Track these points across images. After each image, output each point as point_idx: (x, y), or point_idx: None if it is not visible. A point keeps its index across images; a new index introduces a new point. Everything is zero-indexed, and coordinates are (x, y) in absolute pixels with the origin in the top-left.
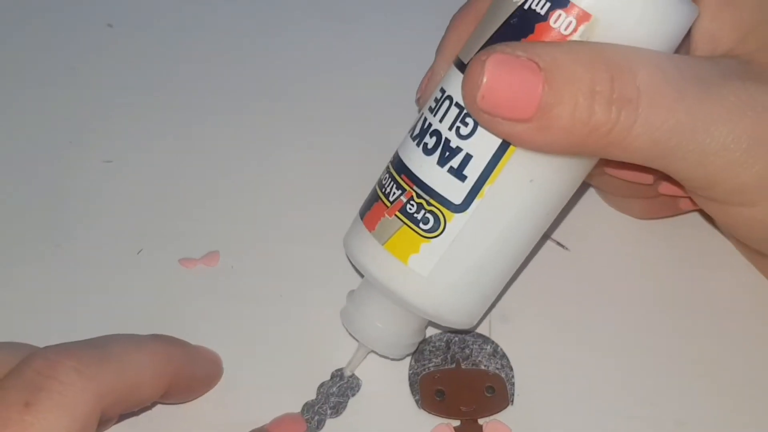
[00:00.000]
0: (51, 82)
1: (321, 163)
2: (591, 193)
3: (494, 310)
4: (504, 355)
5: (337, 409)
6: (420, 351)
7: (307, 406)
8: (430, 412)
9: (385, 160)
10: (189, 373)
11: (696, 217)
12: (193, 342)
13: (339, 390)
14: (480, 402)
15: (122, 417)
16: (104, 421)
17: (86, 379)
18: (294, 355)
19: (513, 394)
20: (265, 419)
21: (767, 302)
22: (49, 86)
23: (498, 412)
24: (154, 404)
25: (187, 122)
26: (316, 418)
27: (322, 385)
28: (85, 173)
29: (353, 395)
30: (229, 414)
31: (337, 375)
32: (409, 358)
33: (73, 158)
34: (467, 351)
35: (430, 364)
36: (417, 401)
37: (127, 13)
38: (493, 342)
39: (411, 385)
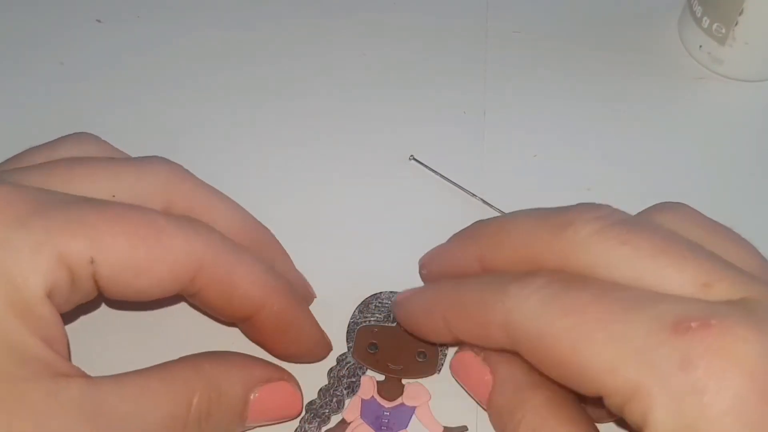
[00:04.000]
0: (39, 78)
1: (318, 160)
2: (582, 192)
3: None
4: None
5: (353, 389)
6: (366, 303)
7: (322, 391)
8: (359, 361)
9: (382, 156)
10: (263, 240)
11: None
12: (192, 336)
13: (349, 371)
14: (409, 364)
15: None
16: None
17: (168, 166)
18: None
19: (442, 365)
20: None
21: None
22: (37, 81)
23: (424, 377)
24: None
25: (176, 118)
26: (335, 399)
27: (331, 370)
28: None
29: (364, 372)
30: None
31: (343, 358)
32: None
33: None
34: None
35: (372, 318)
36: (349, 348)
37: (116, 9)
38: None
39: (348, 333)
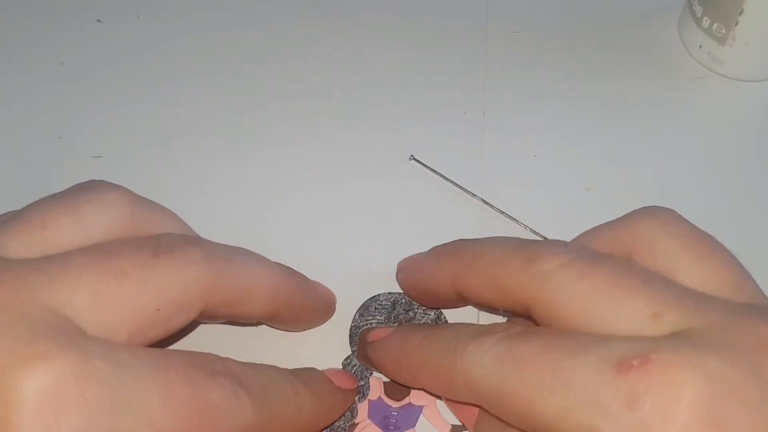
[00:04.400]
0: (40, 77)
1: (318, 160)
2: (582, 192)
3: None
4: (446, 323)
5: (363, 393)
6: (366, 306)
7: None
8: (362, 363)
9: (382, 156)
10: (299, 304)
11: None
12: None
13: (357, 375)
14: None
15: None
16: (208, 316)
17: (207, 266)
18: (293, 351)
19: None
20: None
21: None
22: (37, 81)
23: None
24: (259, 323)
25: (177, 118)
26: (342, 422)
27: None
28: (75, 169)
29: (371, 374)
30: None
31: (348, 363)
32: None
33: (62, 154)
34: (411, 314)
35: (373, 320)
36: (354, 351)
37: (116, 9)
38: (437, 309)
39: (350, 336)
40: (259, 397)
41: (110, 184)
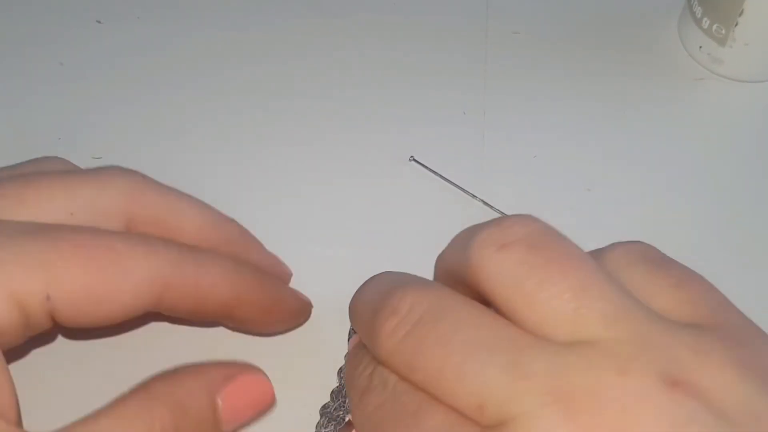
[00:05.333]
0: (39, 78)
1: (317, 160)
2: (582, 192)
3: None
4: None
5: None
6: None
7: (335, 393)
8: None
9: (382, 156)
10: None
11: (691, 231)
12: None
13: None
14: None
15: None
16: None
17: (126, 177)
18: (289, 350)
19: None
20: (272, 422)
21: None
22: (37, 82)
23: None
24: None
25: (177, 118)
26: (347, 400)
27: (340, 369)
28: None
29: None
30: None
31: (343, 374)
32: None
33: (62, 154)
34: None
35: None
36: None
37: (116, 9)
38: None
39: (350, 337)
40: (176, 251)
41: (55, 157)
